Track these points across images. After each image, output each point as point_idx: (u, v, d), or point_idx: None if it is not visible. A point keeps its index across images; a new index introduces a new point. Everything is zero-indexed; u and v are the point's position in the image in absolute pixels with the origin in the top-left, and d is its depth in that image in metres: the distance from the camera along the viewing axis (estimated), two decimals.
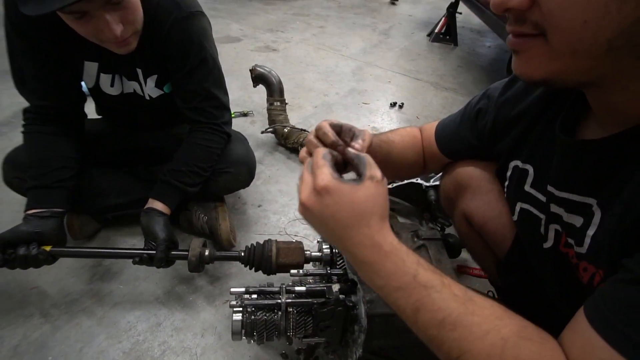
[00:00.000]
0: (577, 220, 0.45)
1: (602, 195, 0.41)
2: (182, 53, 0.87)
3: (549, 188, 0.51)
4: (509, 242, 0.68)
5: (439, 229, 1.20)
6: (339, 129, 0.55)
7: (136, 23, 0.76)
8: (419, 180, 1.23)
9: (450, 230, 1.19)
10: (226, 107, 1.00)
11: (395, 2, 4.28)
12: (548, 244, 0.52)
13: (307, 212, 0.42)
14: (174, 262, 0.91)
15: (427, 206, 1.23)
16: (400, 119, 1.97)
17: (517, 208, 0.59)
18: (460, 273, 1.10)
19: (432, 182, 1.21)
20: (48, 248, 0.84)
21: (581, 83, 0.39)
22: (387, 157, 0.70)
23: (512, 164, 0.60)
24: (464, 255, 1.14)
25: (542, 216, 0.54)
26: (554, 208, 0.50)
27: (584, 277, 0.43)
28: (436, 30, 3.23)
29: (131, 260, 0.85)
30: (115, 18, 0.70)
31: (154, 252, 0.84)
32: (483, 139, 0.67)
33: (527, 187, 0.57)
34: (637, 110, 0.37)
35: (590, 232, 0.42)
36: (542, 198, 0.53)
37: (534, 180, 0.55)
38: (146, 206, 0.91)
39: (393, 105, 2.08)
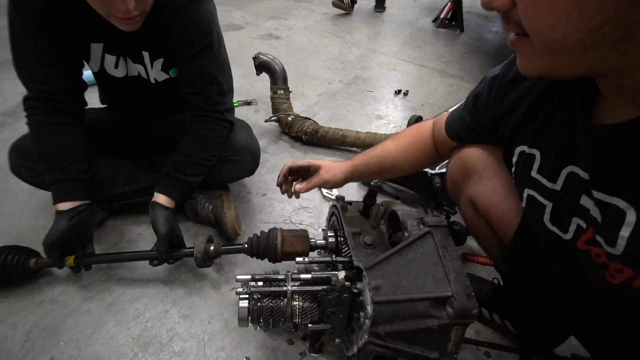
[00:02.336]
0: (597, 214, 0.43)
1: (627, 191, 0.39)
2: (188, 36, 0.86)
3: (582, 175, 0.47)
4: (514, 227, 0.67)
5: (444, 216, 1.20)
6: (296, 169, 0.84)
7: (147, 4, 0.76)
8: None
9: (455, 218, 1.18)
10: (229, 94, 1.00)
11: (381, 10, 3.50)
12: (567, 237, 0.50)
13: None
14: (181, 259, 0.93)
15: (432, 194, 1.23)
16: (405, 106, 1.95)
17: (525, 195, 0.58)
18: (465, 261, 1.10)
19: (437, 170, 1.20)
20: (72, 259, 0.88)
21: (576, 76, 0.39)
22: (381, 168, 0.83)
23: (518, 149, 0.59)
24: (470, 243, 1.14)
25: (546, 203, 0.53)
26: (584, 200, 0.47)
27: (616, 278, 0.41)
28: (442, 16, 3.17)
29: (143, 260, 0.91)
30: None
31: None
32: (484, 123, 0.67)
33: (533, 173, 0.55)
34: None
35: (625, 233, 0.39)
36: (548, 184, 0.52)
37: (540, 166, 0.54)
38: (152, 200, 0.92)
39: (398, 92, 2.06)
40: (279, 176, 0.87)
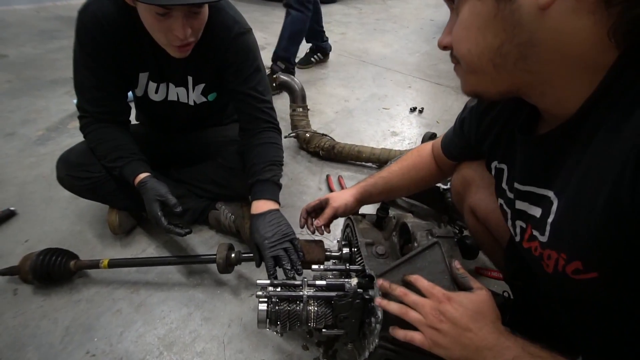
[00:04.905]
0: (537, 212, 0.50)
1: (556, 184, 0.47)
2: (240, 62, 0.98)
3: (515, 185, 0.56)
4: (509, 232, 0.71)
5: (458, 230, 1.22)
6: (311, 209, 0.94)
7: (199, 33, 0.87)
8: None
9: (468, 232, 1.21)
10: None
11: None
12: (517, 239, 0.57)
13: (441, 321, 0.52)
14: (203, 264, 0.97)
15: (445, 208, 1.26)
16: (420, 123, 2.00)
17: (498, 203, 0.65)
18: (478, 275, 1.12)
19: (449, 185, 1.23)
20: (106, 262, 0.97)
21: (501, 93, 0.47)
22: (388, 188, 0.89)
23: (493, 164, 0.67)
24: (483, 257, 1.16)
25: (507, 210, 0.60)
26: (519, 204, 0.55)
27: (549, 266, 0.47)
28: None
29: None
30: (188, 24, 0.81)
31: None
32: (471, 143, 0.75)
33: (502, 184, 0.63)
34: (561, 111, 0.44)
35: (550, 219, 0.46)
36: (510, 195, 0.59)
37: (507, 178, 0.62)
38: (258, 212, 0.95)
39: (413, 110, 2.11)
40: (300, 219, 0.96)
